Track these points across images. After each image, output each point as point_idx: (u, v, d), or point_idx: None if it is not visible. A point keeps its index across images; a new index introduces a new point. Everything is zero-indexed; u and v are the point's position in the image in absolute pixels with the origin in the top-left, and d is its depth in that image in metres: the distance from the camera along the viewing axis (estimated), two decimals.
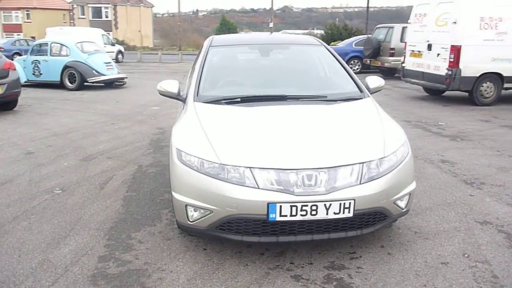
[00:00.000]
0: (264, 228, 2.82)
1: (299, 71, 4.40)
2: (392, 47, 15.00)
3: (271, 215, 2.72)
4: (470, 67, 9.16)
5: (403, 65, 11.01)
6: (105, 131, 7.07)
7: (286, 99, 3.61)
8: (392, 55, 14.99)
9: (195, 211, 2.93)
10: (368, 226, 2.98)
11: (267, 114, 3.40)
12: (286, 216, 2.73)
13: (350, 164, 2.86)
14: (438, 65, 9.53)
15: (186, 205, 2.93)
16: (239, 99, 3.60)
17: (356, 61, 17.79)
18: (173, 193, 3.05)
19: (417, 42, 10.40)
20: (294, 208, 2.72)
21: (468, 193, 4.30)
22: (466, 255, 3.08)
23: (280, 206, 2.71)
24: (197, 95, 3.70)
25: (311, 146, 2.98)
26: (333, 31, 22.90)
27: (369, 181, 2.86)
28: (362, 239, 3.26)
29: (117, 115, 8.58)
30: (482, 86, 9.46)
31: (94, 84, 12.79)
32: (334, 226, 2.87)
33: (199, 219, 2.92)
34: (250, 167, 2.79)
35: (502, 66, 9.33)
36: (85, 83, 12.60)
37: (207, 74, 3.97)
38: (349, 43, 18.33)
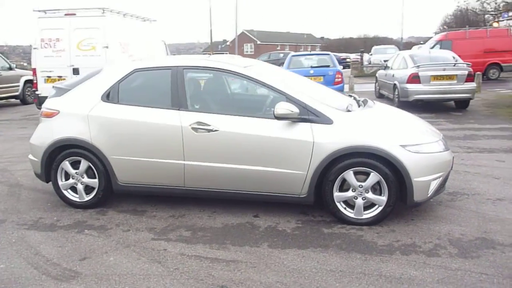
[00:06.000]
0: None
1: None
2: None
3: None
4: None
5: (38, 92, 10.26)
6: None
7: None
8: None
9: (433, 185, 4.07)
10: None
11: (389, 110, 4.92)
12: None
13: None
14: None
15: (431, 181, 4.03)
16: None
17: None
18: (418, 179, 3.95)
19: (54, 67, 10.15)
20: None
21: None
22: None
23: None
24: (338, 108, 4.24)
25: (428, 126, 4.78)
26: None
27: None
28: None
29: None
30: None
31: None
32: None
33: (433, 188, 4.09)
34: (437, 141, 4.29)
35: None
36: None
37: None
38: None
